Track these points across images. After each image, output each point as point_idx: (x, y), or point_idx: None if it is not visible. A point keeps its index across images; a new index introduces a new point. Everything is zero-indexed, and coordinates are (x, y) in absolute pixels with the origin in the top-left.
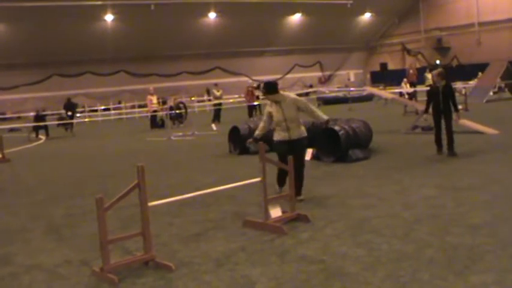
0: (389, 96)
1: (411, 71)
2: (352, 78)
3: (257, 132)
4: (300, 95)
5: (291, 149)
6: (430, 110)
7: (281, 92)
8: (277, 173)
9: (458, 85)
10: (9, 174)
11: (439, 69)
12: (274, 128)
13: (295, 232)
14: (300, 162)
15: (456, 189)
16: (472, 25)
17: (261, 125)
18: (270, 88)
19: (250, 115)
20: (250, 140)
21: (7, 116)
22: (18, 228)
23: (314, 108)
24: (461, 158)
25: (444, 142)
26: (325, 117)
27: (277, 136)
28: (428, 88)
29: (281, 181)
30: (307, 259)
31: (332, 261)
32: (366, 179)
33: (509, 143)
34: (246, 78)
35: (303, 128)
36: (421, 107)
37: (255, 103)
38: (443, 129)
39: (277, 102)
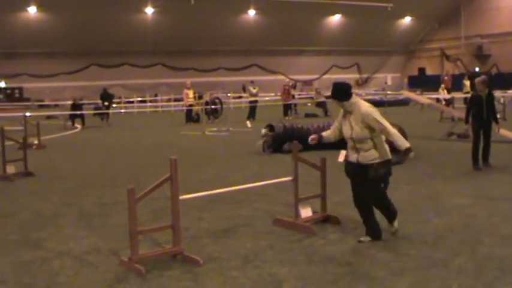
0: (426, 101)
1: (446, 78)
2: (389, 82)
3: (325, 134)
4: None
5: (360, 174)
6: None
7: (353, 99)
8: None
9: (497, 94)
10: (45, 161)
11: (483, 77)
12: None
13: (325, 233)
14: (368, 195)
15: (489, 199)
16: None
17: (331, 129)
18: (337, 92)
19: (286, 114)
20: (313, 136)
21: (45, 103)
22: (50, 214)
23: (390, 128)
24: (496, 168)
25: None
26: (405, 143)
27: (347, 153)
28: (469, 96)
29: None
30: (335, 261)
31: (359, 264)
32: (399, 184)
33: None
34: (282, 77)
35: (376, 152)
36: (458, 113)
37: (291, 102)
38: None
39: (346, 113)
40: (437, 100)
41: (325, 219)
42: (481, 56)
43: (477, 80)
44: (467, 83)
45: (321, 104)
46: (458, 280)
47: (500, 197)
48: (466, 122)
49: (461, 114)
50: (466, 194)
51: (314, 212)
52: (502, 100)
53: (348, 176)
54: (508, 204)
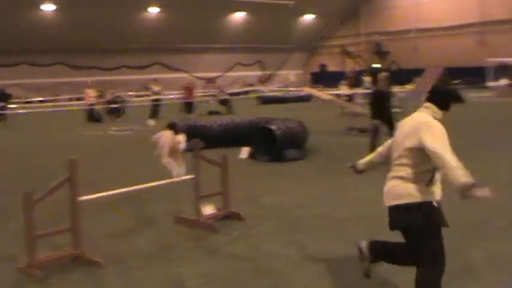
0: (327, 97)
1: (351, 74)
2: (292, 79)
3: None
4: (239, 93)
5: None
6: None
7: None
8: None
9: (395, 89)
10: None
11: (385, 73)
12: None
13: (228, 230)
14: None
15: None
16: (409, 31)
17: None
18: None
19: (189, 112)
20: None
21: None
22: None
23: (449, 159)
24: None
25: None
26: (462, 180)
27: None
28: (369, 91)
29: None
30: (238, 257)
31: (263, 260)
32: (301, 179)
33: None
34: (186, 75)
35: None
36: (359, 109)
37: (193, 100)
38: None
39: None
40: (338, 96)
41: (228, 216)
42: (380, 52)
43: (381, 76)
44: (366, 79)
45: (224, 102)
46: (358, 271)
47: None
48: (373, 117)
49: (362, 109)
50: (366, 187)
51: (217, 210)
52: (400, 96)
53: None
54: None
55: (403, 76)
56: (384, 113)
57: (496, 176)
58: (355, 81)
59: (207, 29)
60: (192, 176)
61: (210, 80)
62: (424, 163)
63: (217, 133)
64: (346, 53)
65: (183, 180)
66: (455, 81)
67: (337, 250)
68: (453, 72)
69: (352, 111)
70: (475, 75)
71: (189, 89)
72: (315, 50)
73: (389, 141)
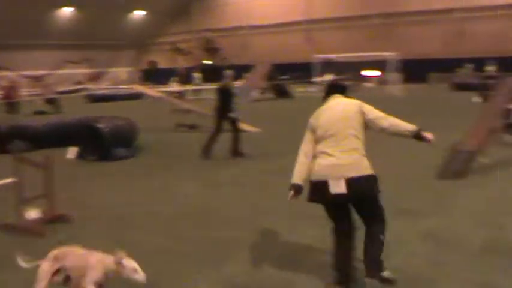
0: (156, 94)
1: (182, 71)
2: (123, 76)
3: None
4: (68, 92)
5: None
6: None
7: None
8: None
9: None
10: None
11: (230, 71)
12: None
13: (54, 233)
14: None
15: (217, 185)
16: (240, 28)
17: None
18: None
19: (13, 112)
20: None
21: None
22: None
23: (393, 118)
24: (220, 155)
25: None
26: (412, 128)
27: None
28: (199, 88)
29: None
30: None
31: None
32: (130, 177)
33: (266, 139)
34: (9, 73)
35: None
36: (189, 106)
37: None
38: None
39: None
40: (169, 93)
41: (55, 219)
42: (211, 49)
43: (226, 72)
44: (197, 75)
45: (51, 101)
46: (186, 264)
47: (228, 181)
48: (217, 114)
49: (193, 106)
50: (195, 182)
51: (42, 213)
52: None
53: None
54: (231, 188)
55: (234, 72)
56: (228, 110)
57: None
58: (186, 78)
59: (33, 24)
60: (12, 180)
61: (37, 78)
62: (364, 139)
63: (43, 133)
64: (178, 50)
65: (4, 184)
66: (284, 77)
67: (167, 246)
68: (282, 68)
69: (182, 108)
70: (303, 71)
71: (11, 88)
72: (146, 47)
73: (308, 137)
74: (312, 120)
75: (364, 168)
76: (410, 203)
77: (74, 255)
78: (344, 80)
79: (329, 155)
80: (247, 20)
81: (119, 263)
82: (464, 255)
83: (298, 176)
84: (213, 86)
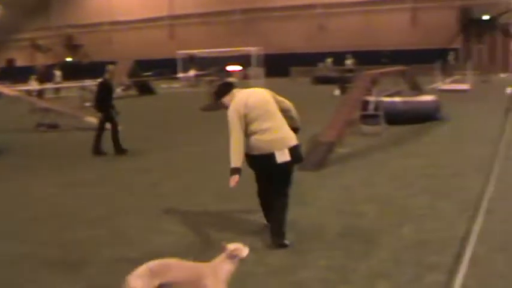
0: (14, 94)
1: (41, 69)
2: None
3: None
4: None
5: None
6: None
7: None
8: None
9: (88, 83)
10: None
11: (112, 66)
12: None
13: None
14: None
15: (76, 185)
16: (102, 24)
17: None
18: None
19: None
20: None
21: None
22: None
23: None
24: (83, 154)
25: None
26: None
27: None
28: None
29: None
30: None
31: None
32: None
33: (129, 137)
34: None
35: None
36: (48, 104)
37: None
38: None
39: None
40: (29, 92)
41: None
42: (72, 46)
43: (109, 67)
44: (58, 73)
45: None
46: (49, 269)
47: (87, 183)
48: (98, 110)
49: (53, 104)
50: (54, 184)
51: None
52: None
53: None
54: (93, 189)
55: (97, 69)
56: (108, 105)
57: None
58: (46, 76)
59: None
60: None
61: None
62: None
63: None
64: (37, 47)
65: None
66: (148, 73)
67: (23, 251)
68: (145, 64)
69: (41, 107)
70: (167, 67)
71: None
72: (1, 44)
73: (238, 126)
74: (239, 108)
75: (295, 138)
76: None
77: (180, 267)
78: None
79: (269, 130)
80: (109, 15)
81: (233, 257)
82: (323, 243)
83: (238, 160)
84: (74, 84)
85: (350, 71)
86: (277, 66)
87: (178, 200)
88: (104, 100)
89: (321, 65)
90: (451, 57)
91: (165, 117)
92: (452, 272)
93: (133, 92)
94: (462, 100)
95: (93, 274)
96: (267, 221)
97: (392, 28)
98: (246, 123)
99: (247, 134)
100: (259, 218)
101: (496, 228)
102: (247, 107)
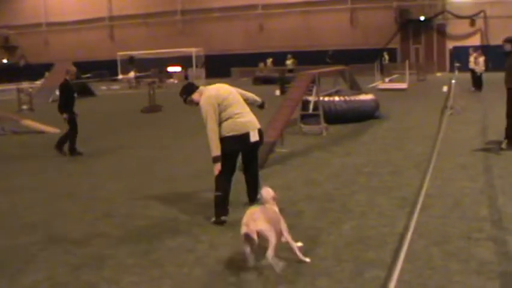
0: None
1: None
2: None
3: None
4: None
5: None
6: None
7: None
8: None
9: (25, 85)
10: None
11: (73, 68)
12: None
13: None
14: None
15: (14, 191)
16: (39, 25)
17: None
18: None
19: None
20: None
21: None
22: None
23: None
24: (18, 159)
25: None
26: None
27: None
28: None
29: None
30: None
31: None
32: None
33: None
34: None
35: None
36: None
37: None
38: None
39: None
40: None
41: None
42: (8, 47)
43: (70, 68)
44: None
45: None
46: None
47: (25, 187)
48: (61, 111)
49: None
50: None
51: None
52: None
53: None
54: (32, 194)
55: (32, 71)
56: (71, 106)
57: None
58: None
59: None
60: None
61: None
62: None
63: None
64: None
65: None
66: (87, 75)
67: None
68: (85, 66)
69: None
70: (107, 69)
71: None
72: None
73: (213, 116)
74: (212, 100)
75: (258, 122)
76: (212, 196)
77: (269, 211)
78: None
79: (242, 114)
80: (46, 16)
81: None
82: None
83: (217, 148)
84: (9, 87)
85: (290, 71)
86: (218, 67)
87: (119, 203)
88: (67, 101)
89: (261, 65)
90: (384, 57)
91: (105, 119)
92: (391, 267)
93: None
94: (400, 99)
95: (30, 282)
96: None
97: (332, 28)
98: (220, 111)
99: (222, 120)
100: (202, 220)
101: (432, 223)
102: (220, 96)
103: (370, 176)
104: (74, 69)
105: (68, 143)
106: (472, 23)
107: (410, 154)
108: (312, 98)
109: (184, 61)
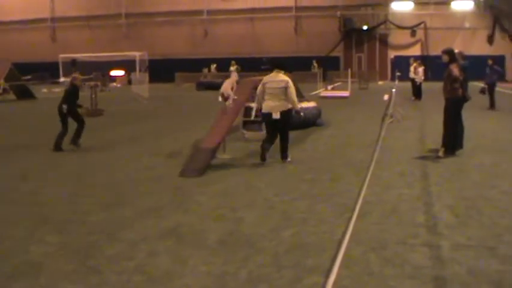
0: None
1: None
2: None
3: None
4: None
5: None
6: None
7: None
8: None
9: None
10: None
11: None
12: None
13: None
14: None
15: None
16: None
17: None
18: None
19: None
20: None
21: None
22: None
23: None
24: None
25: None
26: (298, 105)
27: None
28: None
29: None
30: None
31: None
32: None
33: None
34: None
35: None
36: None
37: None
38: None
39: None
40: None
41: None
42: None
43: (77, 76)
44: None
45: None
46: None
47: None
48: (70, 109)
49: None
50: None
51: None
52: None
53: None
54: None
55: None
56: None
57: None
58: None
59: None
60: None
61: None
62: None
63: None
64: None
65: None
66: (27, 77)
67: None
68: (26, 67)
69: None
70: (48, 70)
71: None
72: None
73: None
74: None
75: (285, 106)
76: (153, 203)
77: None
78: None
79: (270, 100)
80: None
81: None
82: (203, 250)
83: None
84: None
85: None
86: (161, 72)
87: (58, 209)
88: (74, 102)
89: (205, 70)
90: (314, 65)
91: (46, 122)
92: (329, 274)
93: (11, 96)
94: (342, 107)
95: None
96: (262, 148)
97: (276, 35)
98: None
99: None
100: (141, 227)
101: (370, 230)
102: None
103: (311, 183)
104: (80, 77)
105: (76, 135)
106: (413, 34)
107: (350, 161)
108: (254, 105)
109: (128, 65)
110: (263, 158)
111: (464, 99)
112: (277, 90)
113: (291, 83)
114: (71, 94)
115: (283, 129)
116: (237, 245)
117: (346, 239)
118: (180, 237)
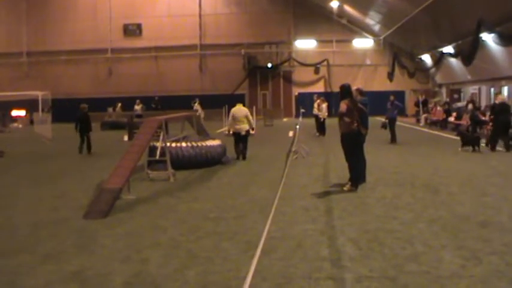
0: None
1: None
2: None
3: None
4: None
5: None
6: None
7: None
8: None
9: None
10: None
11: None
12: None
13: None
14: None
15: None
16: None
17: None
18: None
19: None
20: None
21: None
22: None
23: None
24: None
25: None
26: (253, 126)
27: None
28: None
29: None
30: None
31: None
32: None
33: None
34: None
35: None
36: None
37: None
38: None
39: None
40: None
41: None
42: None
43: (84, 106)
44: None
45: None
46: None
47: None
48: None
49: None
50: None
51: None
52: None
53: None
54: None
55: None
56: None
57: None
58: None
59: None
60: None
61: None
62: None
63: None
64: None
65: None
66: None
67: None
68: None
69: None
70: None
71: None
72: None
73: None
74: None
75: (246, 128)
76: (55, 246)
77: None
78: None
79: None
80: None
81: None
82: None
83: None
84: None
85: (139, 116)
86: (65, 111)
87: None
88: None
89: (110, 110)
90: (195, 102)
91: None
92: None
93: None
94: (248, 144)
95: None
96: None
97: (181, 74)
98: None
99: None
100: (43, 272)
101: (275, 266)
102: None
103: (216, 221)
104: (85, 106)
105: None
106: (317, 71)
107: (255, 198)
108: (159, 144)
109: (31, 105)
110: (244, 157)
111: (359, 133)
112: (241, 117)
113: (248, 113)
114: (82, 120)
115: (245, 141)
116: (143, 286)
117: (249, 276)
118: (84, 281)
